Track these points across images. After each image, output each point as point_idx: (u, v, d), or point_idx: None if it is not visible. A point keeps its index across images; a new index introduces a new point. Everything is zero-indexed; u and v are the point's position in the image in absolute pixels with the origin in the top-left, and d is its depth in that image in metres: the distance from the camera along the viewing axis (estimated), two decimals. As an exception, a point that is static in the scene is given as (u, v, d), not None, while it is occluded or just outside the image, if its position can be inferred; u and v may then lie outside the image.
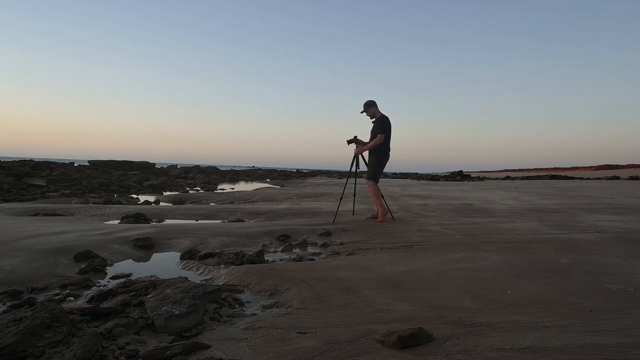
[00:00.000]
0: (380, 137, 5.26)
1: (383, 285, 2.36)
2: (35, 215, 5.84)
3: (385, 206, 5.37)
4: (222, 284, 2.49)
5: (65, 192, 9.74)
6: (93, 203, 7.69)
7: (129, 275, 2.83)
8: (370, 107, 5.41)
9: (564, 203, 7.47)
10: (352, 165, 5.60)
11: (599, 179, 24.89)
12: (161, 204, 8.62)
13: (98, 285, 2.59)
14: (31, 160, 18.51)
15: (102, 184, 12.27)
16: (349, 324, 1.79)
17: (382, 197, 5.55)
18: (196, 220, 5.79)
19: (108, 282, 2.68)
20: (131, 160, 25.06)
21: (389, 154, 5.46)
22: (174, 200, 9.25)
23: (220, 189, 13.66)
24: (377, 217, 5.36)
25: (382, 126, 5.31)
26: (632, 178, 23.99)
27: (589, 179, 24.71)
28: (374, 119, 5.44)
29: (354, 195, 6.11)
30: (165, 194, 11.21)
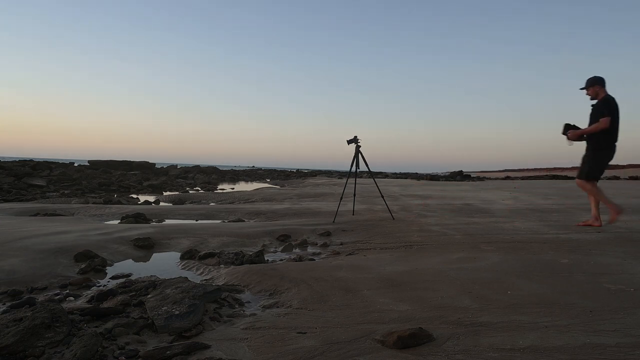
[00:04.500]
0: (605, 121, 4.14)
1: (383, 285, 2.36)
2: (35, 215, 5.84)
3: (387, 208, 5.34)
4: (222, 284, 2.49)
5: (65, 192, 9.74)
6: (93, 203, 7.69)
7: (129, 275, 2.83)
8: (593, 85, 4.36)
9: (564, 203, 7.47)
10: (352, 165, 5.59)
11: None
12: (161, 204, 8.62)
13: (98, 285, 2.59)
14: (31, 160, 18.51)
15: (102, 184, 12.27)
16: (349, 324, 1.79)
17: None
18: (196, 220, 5.79)
19: (108, 282, 2.68)
20: (131, 160, 25.08)
21: (614, 146, 4.28)
22: (174, 200, 9.25)
23: (220, 189, 13.66)
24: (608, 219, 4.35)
25: (604, 108, 4.21)
26: (632, 178, 23.98)
27: (589, 179, 24.65)
28: (594, 101, 4.39)
29: (354, 195, 6.11)
30: (165, 194, 11.21)
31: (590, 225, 4.41)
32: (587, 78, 4.45)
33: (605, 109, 4.22)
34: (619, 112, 4.26)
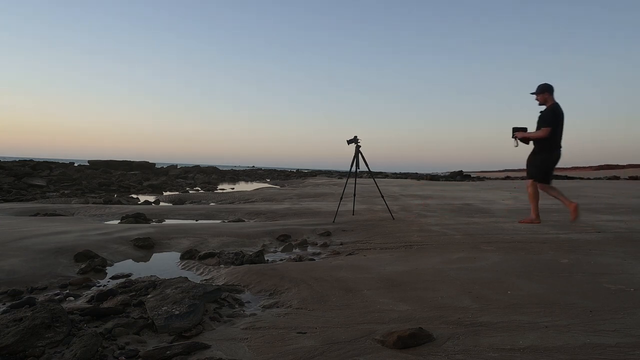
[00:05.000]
0: (543, 130, 4.54)
1: (383, 285, 2.36)
2: (35, 215, 5.84)
3: (387, 208, 5.35)
4: (222, 284, 2.49)
5: (65, 192, 9.74)
6: (93, 203, 7.69)
7: (129, 275, 2.83)
8: (543, 92, 4.67)
9: (564, 203, 7.46)
10: (352, 165, 5.59)
11: (599, 179, 24.89)
12: (161, 204, 8.62)
13: (98, 285, 2.59)
14: (31, 160, 18.52)
15: (102, 184, 12.27)
16: (349, 324, 1.79)
17: (537, 198, 4.78)
18: (196, 220, 5.79)
19: (108, 282, 2.68)
20: (131, 160, 25.09)
21: (558, 152, 4.67)
22: (174, 200, 9.25)
23: (220, 189, 13.66)
24: (533, 220, 4.77)
25: (549, 117, 4.57)
26: (632, 178, 23.99)
27: (589, 178, 24.72)
28: (543, 107, 4.71)
29: (354, 195, 6.10)
30: (165, 194, 11.21)
31: (526, 222, 4.76)
32: (538, 84, 4.73)
33: (550, 118, 4.58)
34: (563, 120, 4.61)
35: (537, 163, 4.73)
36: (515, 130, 4.84)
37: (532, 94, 4.78)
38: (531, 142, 4.81)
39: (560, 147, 4.67)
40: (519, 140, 4.82)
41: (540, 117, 4.69)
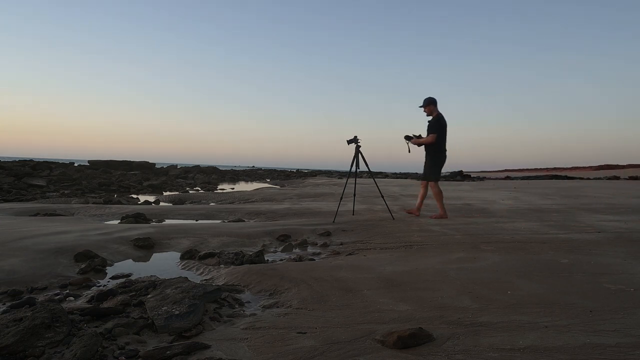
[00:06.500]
0: (431, 137, 5.38)
1: (383, 285, 2.36)
2: (35, 215, 5.83)
3: (387, 208, 5.37)
4: (222, 284, 2.49)
5: (65, 192, 9.74)
6: (93, 203, 7.68)
7: (129, 275, 2.83)
8: (428, 104, 5.49)
9: (564, 203, 7.47)
10: (352, 165, 5.59)
11: (599, 179, 24.89)
12: (161, 204, 8.61)
13: (98, 285, 2.59)
14: (31, 160, 18.52)
15: (102, 184, 12.27)
16: (349, 324, 1.79)
17: (432, 197, 5.62)
18: (196, 220, 5.79)
19: (108, 282, 2.68)
20: (131, 160, 25.08)
21: (445, 155, 5.54)
22: (174, 200, 9.25)
23: (220, 189, 13.66)
24: (414, 213, 5.75)
25: (435, 126, 5.40)
26: (632, 178, 23.98)
27: (589, 179, 24.72)
28: (430, 117, 5.50)
29: (354, 195, 6.11)
30: (165, 194, 11.21)
31: (410, 213, 5.75)
32: (424, 98, 5.54)
33: (436, 127, 5.40)
34: (446, 127, 5.46)
35: (429, 165, 5.54)
36: (407, 137, 5.64)
37: (420, 107, 5.55)
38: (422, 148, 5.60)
39: (445, 150, 5.51)
40: (411, 145, 5.63)
41: (428, 126, 5.46)
